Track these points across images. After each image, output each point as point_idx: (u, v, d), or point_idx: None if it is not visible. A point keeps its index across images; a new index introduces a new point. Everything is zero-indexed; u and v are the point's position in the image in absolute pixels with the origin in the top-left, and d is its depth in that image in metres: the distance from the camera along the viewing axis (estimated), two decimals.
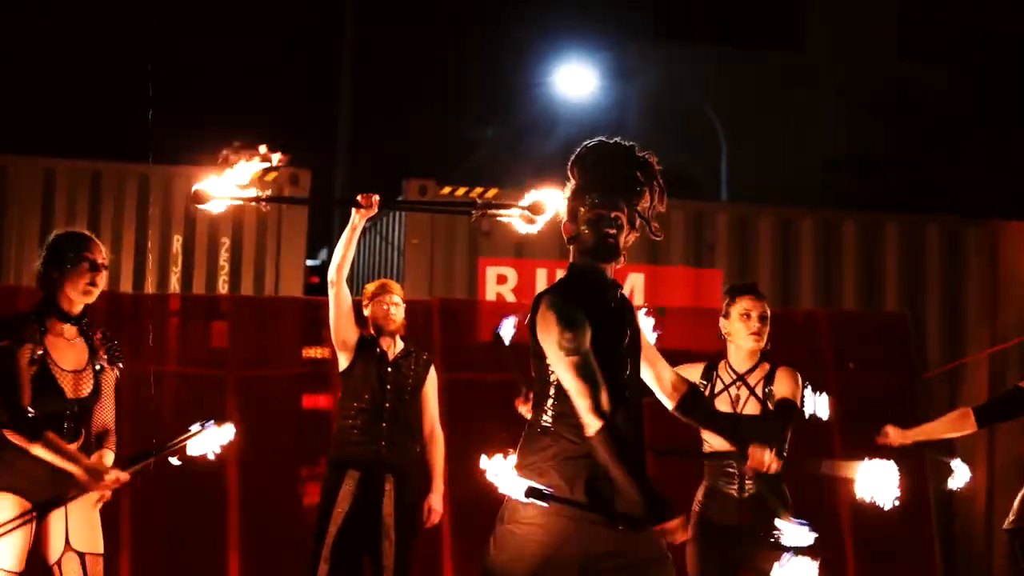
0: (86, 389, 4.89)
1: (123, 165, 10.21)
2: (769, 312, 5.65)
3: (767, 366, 5.61)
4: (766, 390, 5.56)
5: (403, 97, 20.99)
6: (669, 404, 4.41)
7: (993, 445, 10.12)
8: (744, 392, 5.55)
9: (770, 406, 5.52)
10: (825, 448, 8.79)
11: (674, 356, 9.24)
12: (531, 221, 4.95)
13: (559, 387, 3.99)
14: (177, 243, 10.06)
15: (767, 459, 4.91)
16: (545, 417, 4.01)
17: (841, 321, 9.81)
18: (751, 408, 5.54)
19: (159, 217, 10.03)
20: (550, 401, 4.02)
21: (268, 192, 8.26)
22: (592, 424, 3.86)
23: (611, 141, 4.16)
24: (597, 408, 3.87)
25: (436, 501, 6.66)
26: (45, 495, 4.74)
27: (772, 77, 21.51)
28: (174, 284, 9.99)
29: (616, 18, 20.12)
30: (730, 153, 18.41)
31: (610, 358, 4.00)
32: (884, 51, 22.05)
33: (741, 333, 5.56)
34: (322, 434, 8.36)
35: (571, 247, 4.18)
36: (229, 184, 5.39)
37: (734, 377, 5.58)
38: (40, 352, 4.78)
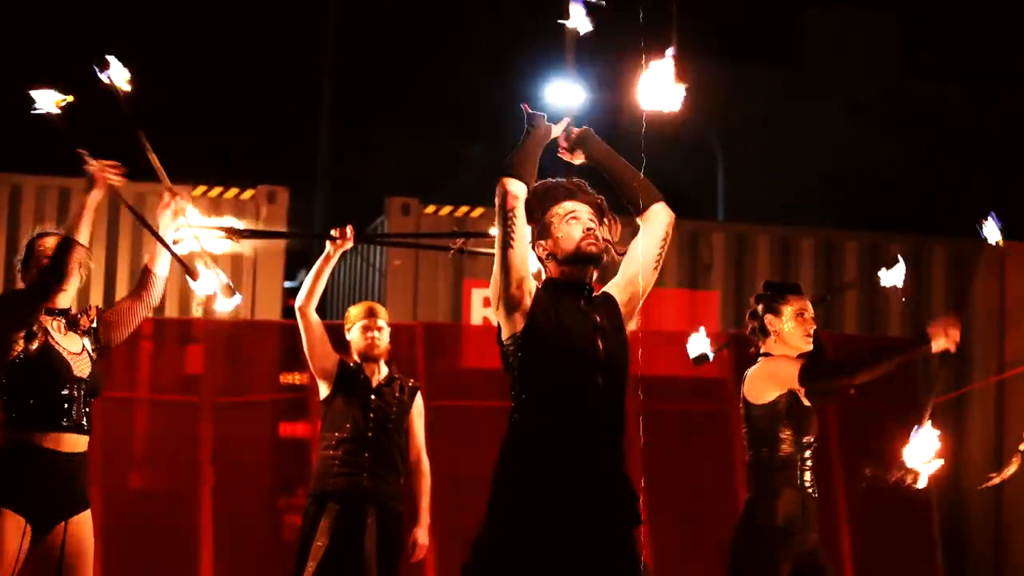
0: (85, 370, 4.92)
1: None
2: None
3: None
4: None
5: (386, 112, 21.02)
6: None
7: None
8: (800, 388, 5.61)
9: None
10: (826, 476, 8.80)
11: (670, 382, 9.25)
12: None
13: (521, 368, 4.01)
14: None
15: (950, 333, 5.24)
16: (515, 416, 4.03)
17: (843, 346, 9.83)
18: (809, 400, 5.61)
19: (129, 236, 10.02)
20: (514, 392, 4.04)
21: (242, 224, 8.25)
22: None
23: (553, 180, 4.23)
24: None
25: (421, 535, 6.65)
26: (46, 510, 4.74)
27: (771, 92, 21.59)
28: None
29: (608, 32, 20.22)
30: (727, 170, 18.47)
31: (567, 356, 4.02)
32: (887, 67, 22.15)
33: (797, 334, 5.60)
34: (301, 464, 8.35)
35: (546, 265, 4.19)
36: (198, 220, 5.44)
37: None
38: (39, 331, 4.85)
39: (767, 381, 5.50)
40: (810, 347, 5.61)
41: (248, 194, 10.19)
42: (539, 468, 3.96)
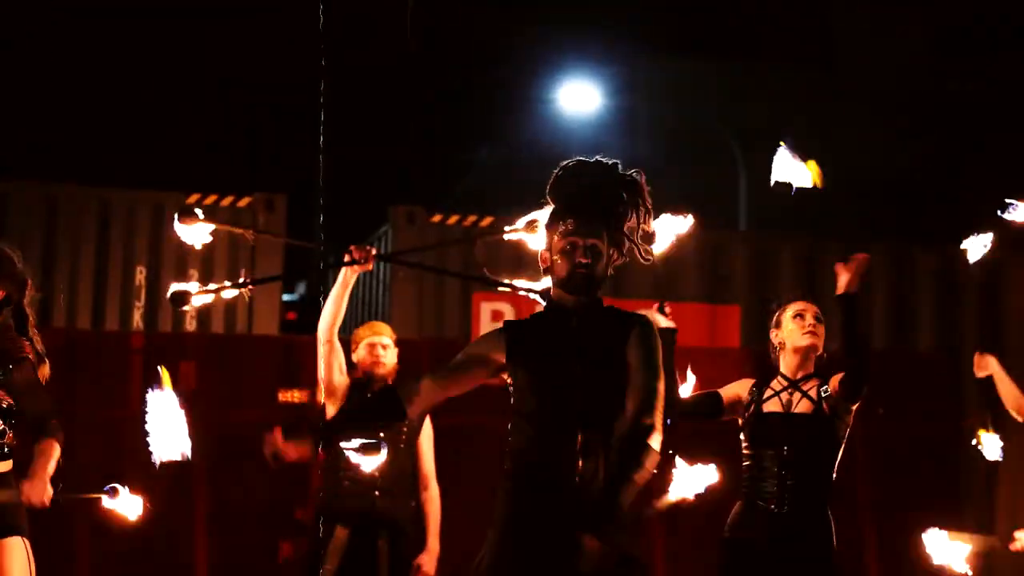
0: None
1: (81, 188, 10.24)
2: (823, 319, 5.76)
3: (816, 381, 5.64)
4: (821, 390, 5.59)
5: (389, 115, 21.08)
6: None
7: None
8: (796, 396, 5.61)
9: (825, 406, 5.57)
10: (850, 502, 8.82)
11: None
12: (535, 231, 5.06)
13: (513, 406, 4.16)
14: (140, 275, 10.08)
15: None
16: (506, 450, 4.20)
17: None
18: (802, 408, 5.60)
19: (121, 246, 10.06)
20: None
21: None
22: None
23: (591, 160, 4.20)
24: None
25: (428, 562, 6.62)
26: None
27: (795, 96, 21.60)
28: (137, 320, 10.02)
29: (624, 31, 20.24)
30: (749, 178, 18.47)
31: (541, 385, 4.13)
32: (917, 72, 22.16)
33: (795, 333, 5.64)
34: (300, 486, 8.38)
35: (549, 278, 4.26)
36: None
37: (785, 384, 5.65)
38: None
39: None
40: (814, 341, 5.60)
41: (244, 202, 10.24)
42: (513, 513, 4.08)
